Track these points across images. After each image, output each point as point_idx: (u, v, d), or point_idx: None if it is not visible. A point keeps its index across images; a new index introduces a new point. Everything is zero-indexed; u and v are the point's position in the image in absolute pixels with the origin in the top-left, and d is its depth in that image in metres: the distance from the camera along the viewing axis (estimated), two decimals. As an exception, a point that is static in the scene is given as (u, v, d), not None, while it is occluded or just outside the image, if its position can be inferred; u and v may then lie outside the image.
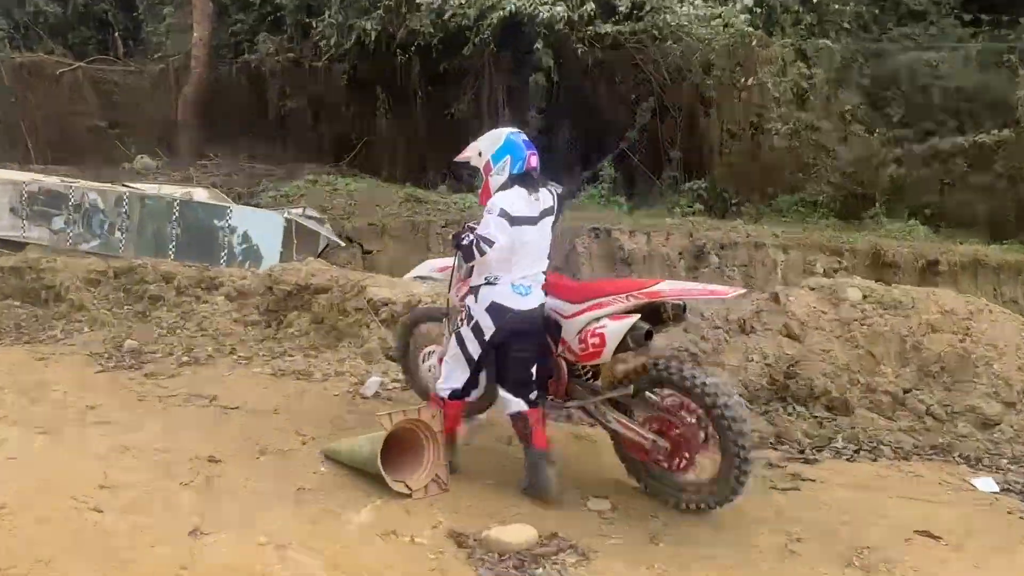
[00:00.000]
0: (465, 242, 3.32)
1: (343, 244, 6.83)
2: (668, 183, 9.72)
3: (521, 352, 3.45)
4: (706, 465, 3.37)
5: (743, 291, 3.71)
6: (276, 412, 4.48)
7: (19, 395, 4.51)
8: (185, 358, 5.54)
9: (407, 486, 3.41)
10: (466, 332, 3.43)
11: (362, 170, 11.95)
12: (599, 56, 9.87)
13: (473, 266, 3.46)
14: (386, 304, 5.52)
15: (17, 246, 7.90)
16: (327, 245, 6.97)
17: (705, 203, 8.97)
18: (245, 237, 6.83)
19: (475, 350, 3.43)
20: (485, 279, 3.35)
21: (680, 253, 7.05)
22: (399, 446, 3.48)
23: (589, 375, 3.58)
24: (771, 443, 4.56)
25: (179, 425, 4.16)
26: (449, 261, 3.90)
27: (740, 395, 4.77)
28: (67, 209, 7.36)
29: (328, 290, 5.86)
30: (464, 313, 3.43)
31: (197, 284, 6.39)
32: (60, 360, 5.37)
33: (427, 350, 4.20)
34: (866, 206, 8.25)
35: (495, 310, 3.35)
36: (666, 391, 3.40)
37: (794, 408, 4.82)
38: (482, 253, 3.24)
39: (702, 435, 3.31)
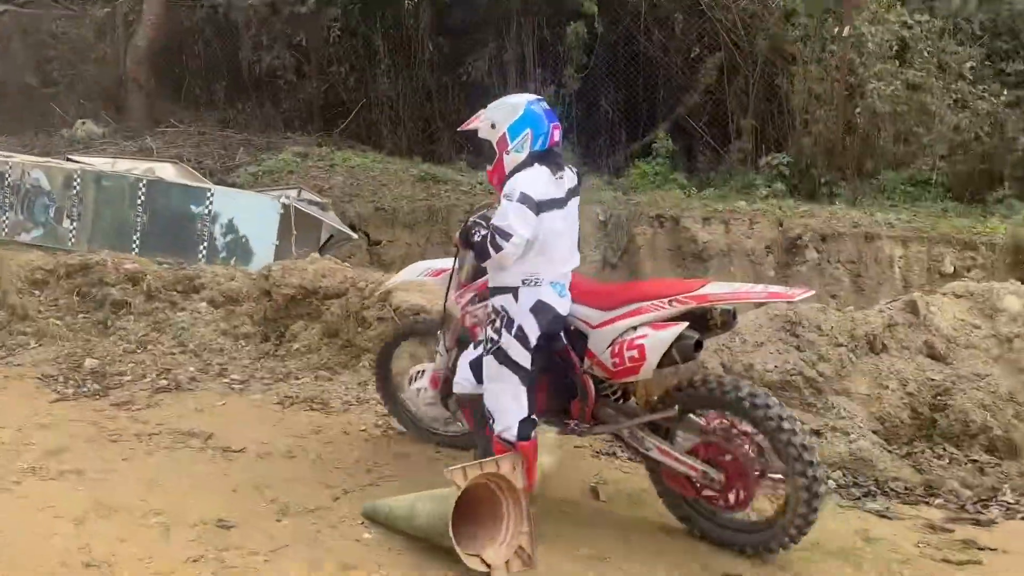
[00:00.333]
0: (477, 238, 3.28)
1: (355, 236, 6.50)
2: (737, 158, 9.39)
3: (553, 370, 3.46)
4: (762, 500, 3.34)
5: (810, 292, 3.56)
6: (291, 455, 4.19)
7: (-42, 434, 4.19)
8: (162, 381, 5.25)
9: (484, 562, 3.11)
10: (508, 342, 3.33)
11: (359, 141, 11.61)
12: (654, 0, 9.52)
13: (477, 267, 3.51)
14: (418, 313, 5.20)
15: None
16: (331, 237, 6.64)
17: (787, 182, 8.63)
18: (230, 227, 6.49)
19: (524, 359, 3.35)
20: (523, 280, 3.29)
21: (768, 246, 6.73)
22: (468, 506, 3.18)
23: (618, 395, 3.55)
24: (919, 495, 4.28)
25: (170, 475, 3.86)
26: (446, 263, 3.91)
27: (874, 431, 4.57)
28: (2, 191, 7.00)
29: (342, 295, 5.54)
30: (499, 321, 3.34)
31: (172, 286, 6.09)
32: (5, 385, 5.06)
33: (415, 369, 4.15)
34: (991, 185, 7.92)
35: (540, 310, 3.31)
36: (714, 412, 3.37)
37: (945, 449, 4.54)
38: (497, 249, 3.15)
39: (760, 464, 3.27)
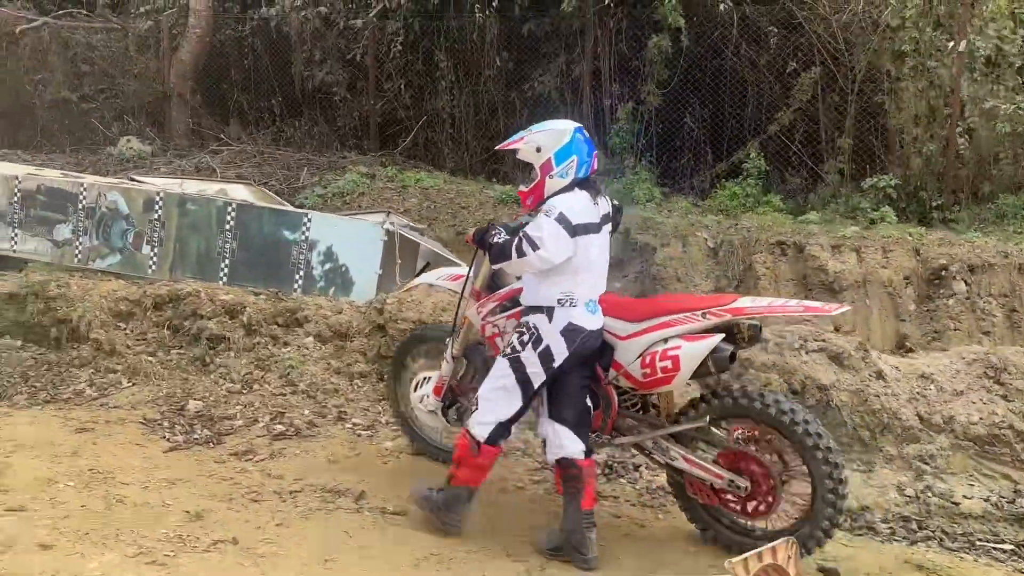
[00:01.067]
0: (498, 239, 3.47)
1: (461, 264, 6.11)
2: (834, 180, 9.02)
3: (583, 380, 3.56)
4: (786, 508, 3.46)
5: (846, 307, 3.80)
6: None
7: (83, 492, 3.82)
8: (278, 426, 4.90)
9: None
10: (529, 356, 3.46)
11: (418, 160, 11.29)
12: (746, 12, 9.20)
13: (492, 274, 3.76)
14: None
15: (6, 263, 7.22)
16: (427, 264, 6.27)
17: (894, 205, 8.26)
18: (329, 254, 6.12)
19: (538, 378, 3.48)
20: (559, 300, 3.45)
21: (907, 277, 6.34)
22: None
23: (637, 406, 3.69)
24: None
25: (340, 547, 3.47)
26: (462, 270, 4.11)
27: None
28: (76, 214, 6.67)
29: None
30: (527, 335, 3.47)
31: (272, 319, 5.74)
32: (109, 432, 4.70)
33: (421, 376, 4.24)
34: (1125, 213, 7.56)
35: (570, 333, 3.45)
36: (737, 421, 3.50)
37: None
38: (521, 254, 3.32)
39: (783, 473, 3.41)
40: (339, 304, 5.72)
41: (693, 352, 3.33)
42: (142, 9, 13.06)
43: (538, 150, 3.49)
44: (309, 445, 4.64)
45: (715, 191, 9.39)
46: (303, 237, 6.19)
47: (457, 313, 4.04)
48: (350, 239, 6.08)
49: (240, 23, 12.33)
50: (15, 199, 6.85)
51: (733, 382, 4.37)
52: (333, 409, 5.07)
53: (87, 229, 6.66)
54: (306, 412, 5.05)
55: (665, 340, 3.40)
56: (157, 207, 6.46)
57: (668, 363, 3.36)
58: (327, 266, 6.11)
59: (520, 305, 3.68)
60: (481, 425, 3.51)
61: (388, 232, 6.00)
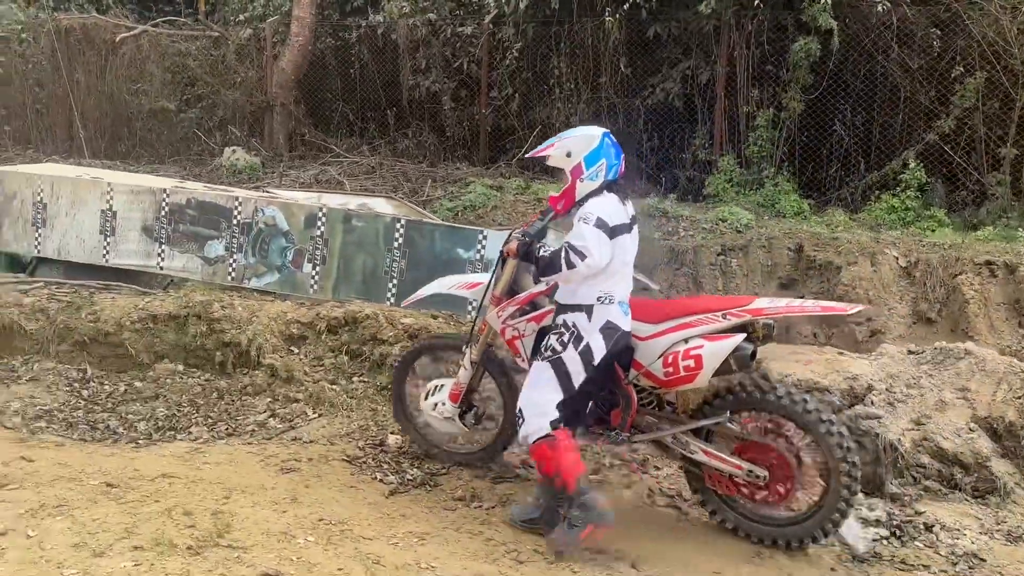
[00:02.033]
0: (543, 253, 3.65)
1: (654, 286, 5.68)
2: (1004, 192, 8.42)
3: (600, 378, 3.70)
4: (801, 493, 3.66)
5: (862, 306, 4.10)
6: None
7: (328, 549, 3.44)
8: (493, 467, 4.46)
9: None
10: (571, 356, 3.57)
11: (531, 170, 10.87)
12: (905, 12, 8.65)
13: (512, 280, 3.91)
14: (807, 392, 4.33)
15: (135, 280, 6.93)
16: None
17: (1076, 221, 7.66)
18: (508, 273, 5.70)
19: (579, 377, 3.60)
20: (598, 298, 3.58)
21: None
22: None
23: (652, 404, 3.87)
24: None
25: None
26: (479, 277, 4.29)
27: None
28: (229, 230, 6.35)
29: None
30: (567, 335, 3.58)
31: (455, 345, 5.30)
32: (316, 472, 4.33)
33: (434, 383, 4.32)
34: None
35: (609, 331, 3.59)
36: (750, 414, 3.72)
37: None
38: (571, 266, 3.45)
39: (797, 461, 3.62)
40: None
41: (716, 351, 3.51)
42: (241, 17, 12.86)
43: (568, 155, 3.63)
44: (529, 490, 4.21)
45: (868, 204, 8.85)
46: (478, 256, 5.79)
47: (476, 320, 4.19)
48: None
49: (346, 31, 12.02)
50: (162, 213, 6.56)
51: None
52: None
53: (242, 246, 6.34)
54: (516, 450, 4.62)
55: (686, 340, 3.57)
56: (320, 223, 6.11)
57: (691, 362, 3.53)
58: (505, 287, 5.67)
59: (538, 308, 3.89)
60: (539, 428, 3.58)
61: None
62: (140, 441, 4.82)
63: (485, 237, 5.81)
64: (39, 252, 7.04)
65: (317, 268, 6.05)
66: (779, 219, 8.39)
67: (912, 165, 8.67)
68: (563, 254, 3.46)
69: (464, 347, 4.20)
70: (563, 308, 3.64)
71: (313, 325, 5.57)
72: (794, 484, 3.60)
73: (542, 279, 3.79)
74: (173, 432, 4.99)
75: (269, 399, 5.29)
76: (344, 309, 5.62)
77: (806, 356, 4.57)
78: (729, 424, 3.71)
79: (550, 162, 3.73)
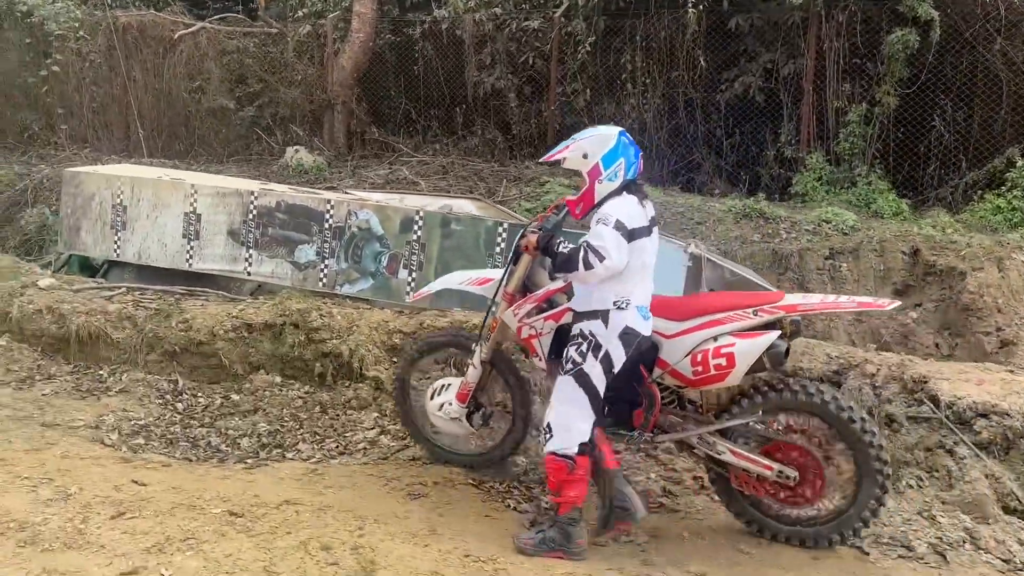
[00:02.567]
0: (562, 249, 3.53)
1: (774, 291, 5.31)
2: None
3: (621, 384, 3.61)
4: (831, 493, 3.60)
5: (898, 303, 3.83)
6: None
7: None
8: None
9: None
10: (592, 366, 3.49)
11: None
12: (1012, 1, 8.19)
13: (525, 277, 3.84)
14: (984, 415, 3.96)
15: (215, 285, 6.69)
16: (711, 292, 5.45)
17: None
18: (620, 281, 5.37)
19: (602, 385, 3.52)
20: (614, 303, 3.49)
21: None
22: None
23: (674, 402, 3.79)
24: None
25: None
26: (491, 273, 4.20)
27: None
28: (321, 234, 6.08)
29: (834, 382, 4.35)
30: (585, 345, 3.50)
31: (463, 343, 4.98)
32: (447, 499, 4.07)
33: (440, 383, 4.23)
34: None
35: (627, 336, 3.50)
36: (777, 413, 3.63)
37: None
38: (588, 267, 3.37)
39: (828, 460, 3.55)
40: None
41: (749, 349, 3.42)
42: (300, 13, 12.62)
43: (585, 156, 3.53)
44: (684, 522, 3.89)
45: (971, 204, 8.41)
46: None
47: (486, 317, 4.04)
48: (647, 265, 5.31)
49: (409, 26, 11.74)
50: (250, 216, 6.31)
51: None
52: (686, 475, 4.29)
53: (334, 251, 6.07)
54: (652, 476, 4.29)
55: (715, 338, 3.49)
56: (416, 227, 5.82)
57: (722, 360, 3.44)
58: (619, 296, 5.34)
59: (555, 306, 3.78)
60: (566, 448, 3.50)
61: (693, 256, 5.22)
62: (248, 460, 4.56)
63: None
64: (118, 256, 6.83)
65: (414, 274, 5.76)
66: (879, 220, 7.98)
67: (1020, 163, 8.22)
68: (581, 253, 3.39)
69: (474, 345, 4.10)
70: (579, 316, 3.57)
71: (417, 335, 5.28)
72: (824, 484, 3.54)
73: (558, 275, 3.71)
74: (280, 450, 4.72)
75: (376, 414, 5.01)
76: (448, 318, 5.33)
77: (975, 375, 4.19)
78: (756, 423, 3.63)
79: (566, 164, 3.62)
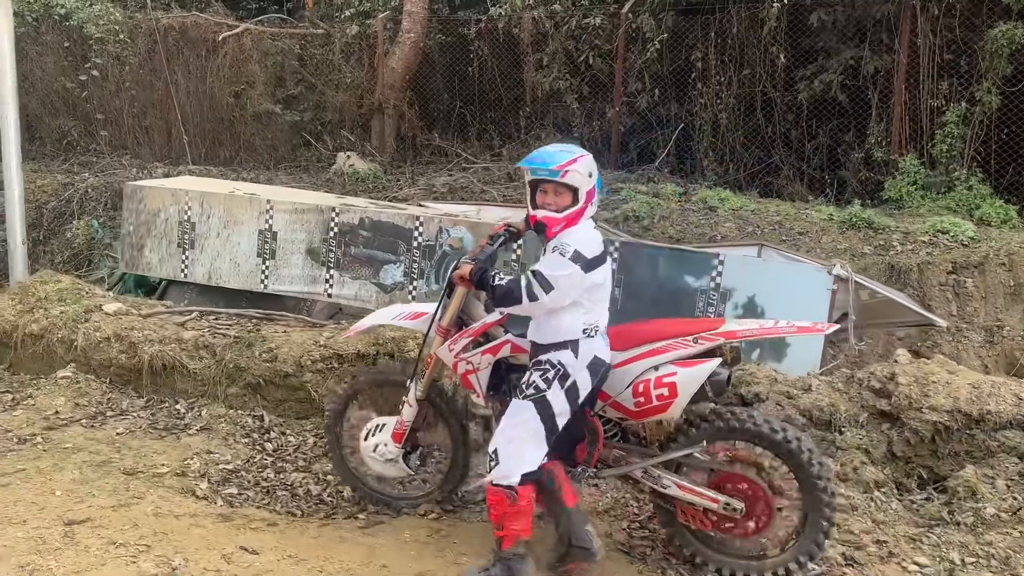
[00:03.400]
0: (499, 282, 3.33)
1: (940, 322, 4.78)
2: None
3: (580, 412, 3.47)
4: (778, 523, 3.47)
5: (837, 326, 3.77)
6: None
7: None
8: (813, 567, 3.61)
9: None
10: (556, 395, 3.33)
11: (676, 172, 10.02)
12: None
13: (459, 310, 3.66)
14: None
15: (287, 307, 6.23)
16: (843, 315, 4.92)
17: None
18: (751, 307, 4.87)
19: (563, 417, 3.36)
20: (584, 331, 3.35)
21: None
22: None
23: (617, 435, 3.65)
24: None
25: None
26: (425, 307, 3.99)
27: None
28: (409, 252, 5.60)
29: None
30: (551, 373, 3.34)
31: (396, 381, 4.49)
32: (599, 568, 3.52)
33: (374, 423, 4.03)
34: None
35: (595, 365, 3.38)
36: (720, 443, 3.50)
37: None
38: (533, 298, 3.22)
39: (774, 491, 3.43)
40: (800, 378, 4.43)
41: (691, 378, 3.33)
42: (347, 13, 12.15)
43: (590, 175, 3.34)
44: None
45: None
46: (713, 284, 4.95)
47: (420, 353, 3.92)
48: (783, 288, 4.81)
49: (464, 26, 11.25)
50: (331, 235, 5.84)
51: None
52: (864, 537, 3.76)
53: (423, 271, 5.59)
54: (839, 548, 3.75)
55: (656, 368, 3.39)
56: (516, 246, 5.32)
57: (664, 390, 3.35)
58: (750, 323, 4.83)
59: (492, 340, 3.62)
60: (508, 476, 3.28)
61: (839, 279, 4.69)
62: (360, 517, 4.08)
63: (722, 262, 4.97)
64: (186, 276, 6.38)
65: (516, 297, 5.25)
66: (992, 229, 7.41)
67: None
68: (524, 283, 3.21)
69: (408, 382, 3.90)
70: (545, 348, 3.37)
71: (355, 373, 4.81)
72: (771, 515, 3.42)
73: (496, 309, 3.58)
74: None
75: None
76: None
77: None
78: (700, 455, 3.49)
79: (567, 179, 3.28)
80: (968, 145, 8.40)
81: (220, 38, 12.01)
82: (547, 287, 3.19)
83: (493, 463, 3.35)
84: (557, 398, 3.30)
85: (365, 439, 4.01)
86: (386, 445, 3.92)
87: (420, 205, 7.05)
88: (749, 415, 3.46)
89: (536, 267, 3.27)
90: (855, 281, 4.75)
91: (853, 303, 4.72)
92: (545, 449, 3.33)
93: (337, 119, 11.79)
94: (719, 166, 9.95)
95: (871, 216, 7.15)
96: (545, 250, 3.38)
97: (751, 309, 4.90)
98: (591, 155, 3.41)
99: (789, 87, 9.76)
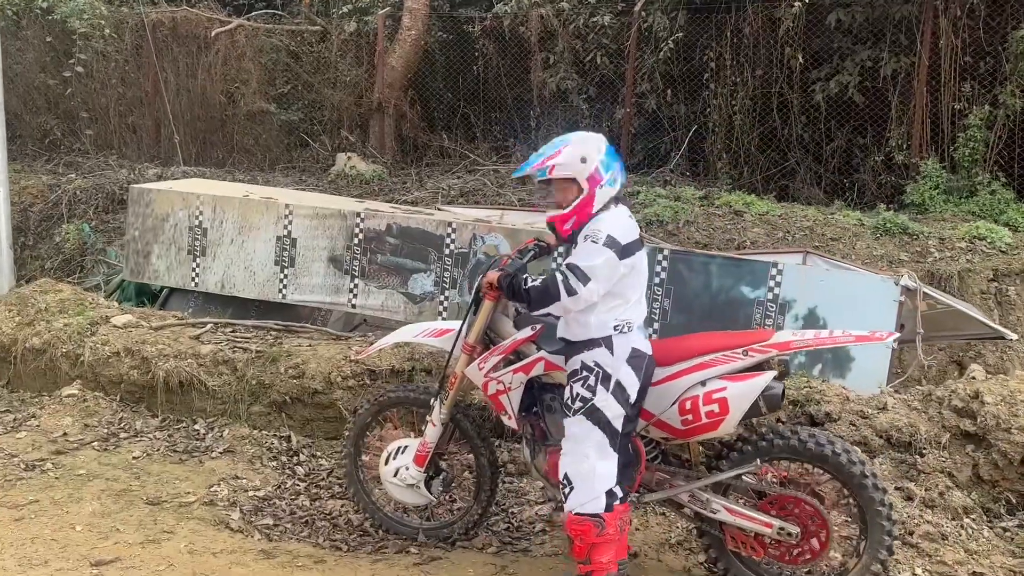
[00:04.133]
0: (533, 283, 3.17)
1: (1011, 336, 4.56)
2: None
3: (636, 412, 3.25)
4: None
5: (897, 334, 3.49)
6: None
7: None
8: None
9: None
10: (604, 399, 3.11)
11: (680, 174, 9.77)
12: None
13: (486, 326, 3.47)
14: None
15: (303, 317, 5.91)
16: (902, 327, 4.68)
17: None
18: (812, 319, 4.62)
19: (619, 419, 3.12)
20: (615, 327, 3.14)
21: None
22: None
23: (657, 456, 3.43)
24: None
25: None
26: (449, 324, 3.79)
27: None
28: (440, 261, 5.30)
29: None
30: (592, 378, 3.11)
31: (421, 400, 4.27)
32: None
33: (394, 446, 3.80)
34: None
35: (636, 360, 3.17)
36: (769, 463, 3.30)
37: None
38: (571, 292, 3.02)
39: (830, 512, 3.23)
40: (875, 396, 4.19)
41: (744, 392, 3.11)
42: (345, 8, 11.78)
43: (583, 160, 3.11)
44: None
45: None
46: (770, 295, 4.70)
47: (445, 371, 3.74)
48: (846, 299, 4.57)
49: (468, 23, 10.93)
50: (355, 242, 5.50)
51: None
52: (959, 568, 3.52)
53: (455, 280, 5.28)
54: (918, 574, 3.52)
55: (703, 383, 3.16)
56: (557, 253, 5.03)
57: (714, 407, 3.13)
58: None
59: (523, 358, 3.40)
60: (593, 501, 3.08)
61: (907, 289, 4.45)
62: (412, 551, 3.77)
63: (780, 271, 4.71)
64: (197, 285, 6.01)
65: (556, 309, 4.96)
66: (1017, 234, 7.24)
67: None
68: (561, 278, 3.03)
69: (432, 401, 3.68)
70: (576, 347, 3.18)
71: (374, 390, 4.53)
72: (828, 539, 3.19)
73: (529, 326, 3.39)
74: (440, 532, 3.93)
75: (542, 484, 4.22)
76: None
77: None
78: (750, 477, 3.29)
79: (558, 173, 3.13)
80: (991, 149, 8.24)
81: (212, 34, 11.60)
82: (584, 278, 3.00)
83: (568, 489, 3.14)
84: (607, 402, 3.10)
85: (386, 463, 3.78)
86: (407, 469, 3.69)
87: (439, 209, 6.74)
88: (795, 431, 3.24)
89: (569, 260, 3.08)
90: (924, 292, 4.51)
91: (920, 315, 4.48)
92: (614, 456, 3.12)
93: (335, 119, 11.42)
94: (733, 169, 9.71)
95: (905, 222, 6.95)
96: (573, 246, 3.18)
97: (812, 322, 4.65)
98: (590, 134, 3.23)
99: (805, 88, 9.56)
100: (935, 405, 4.06)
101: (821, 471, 3.24)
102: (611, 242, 3.02)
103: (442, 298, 5.35)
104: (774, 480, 3.32)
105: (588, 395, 3.11)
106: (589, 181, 3.12)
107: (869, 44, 9.18)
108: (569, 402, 3.16)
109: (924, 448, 3.94)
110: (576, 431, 3.13)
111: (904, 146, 8.71)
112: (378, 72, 10.99)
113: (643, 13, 9.72)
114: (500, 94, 10.90)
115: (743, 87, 9.59)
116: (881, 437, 4.01)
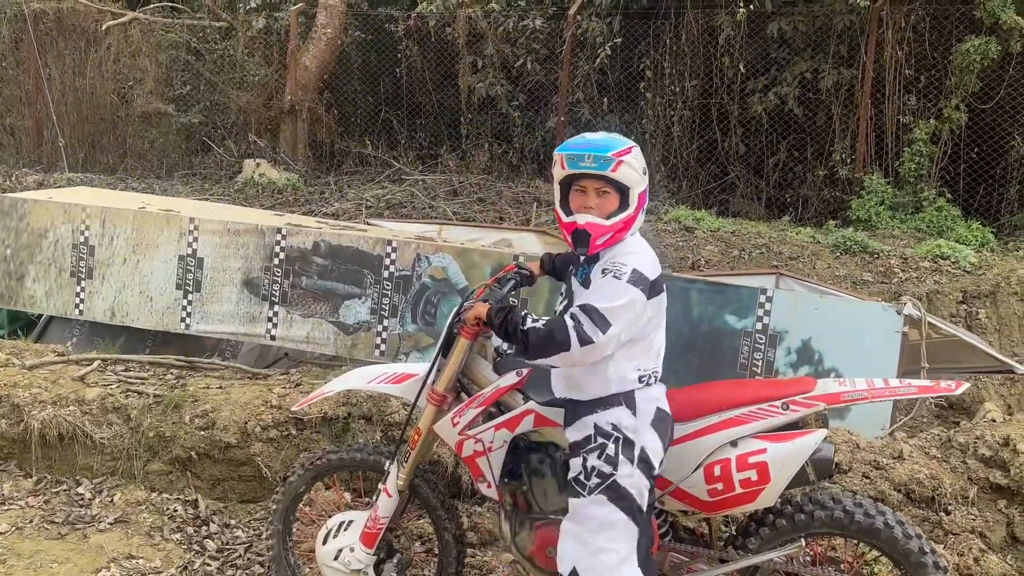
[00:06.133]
0: (534, 324, 2.44)
1: (1021, 370, 4.14)
2: None
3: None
4: None
5: (966, 384, 2.72)
6: None
7: None
8: None
9: None
10: (628, 474, 2.47)
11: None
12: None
13: (458, 372, 2.79)
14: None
15: (204, 351, 5.09)
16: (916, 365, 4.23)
17: None
18: (806, 353, 4.10)
19: (645, 494, 2.50)
20: (640, 378, 2.55)
21: None
22: None
23: (667, 533, 2.83)
24: None
25: None
26: (411, 368, 3.08)
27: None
28: (377, 285, 4.56)
29: None
30: (613, 446, 2.48)
31: (371, 463, 3.69)
32: None
33: (336, 521, 3.07)
34: None
35: (660, 423, 2.56)
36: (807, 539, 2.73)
37: None
38: (585, 341, 2.34)
39: None
40: (887, 443, 3.68)
41: (788, 456, 2.55)
42: (253, 4, 10.87)
43: (644, 172, 2.56)
44: None
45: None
46: (759, 325, 4.16)
47: (405, 426, 2.98)
48: (844, 330, 4.06)
49: (390, 23, 10.19)
50: (275, 262, 4.69)
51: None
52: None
53: (396, 308, 4.53)
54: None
55: (734, 443, 2.59)
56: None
57: (751, 473, 2.55)
58: (804, 371, 4.08)
59: (508, 410, 2.74)
60: None
61: (911, 319, 3.99)
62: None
63: (769, 298, 4.17)
64: (82, 313, 5.06)
65: (516, 341, 4.29)
66: (987, 253, 7.00)
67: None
68: (572, 324, 2.35)
69: (387, 464, 2.98)
70: (588, 407, 2.54)
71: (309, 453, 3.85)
72: None
73: (513, 371, 2.73)
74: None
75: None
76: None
77: None
78: (780, 558, 2.69)
79: (621, 174, 2.47)
80: (935, 164, 8.06)
81: (103, 27, 10.50)
82: (603, 324, 2.35)
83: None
84: (631, 477, 2.46)
85: (324, 542, 3.03)
86: (352, 551, 2.97)
87: (367, 223, 6.00)
88: (856, 502, 2.67)
89: (583, 300, 2.42)
90: (931, 322, 4.05)
91: (923, 347, 4.02)
92: (637, 537, 2.49)
93: (241, 122, 10.48)
94: (672, 182, 9.28)
95: (864, 240, 6.59)
96: (588, 274, 2.55)
97: (807, 355, 4.13)
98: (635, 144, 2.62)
99: (744, 100, 9.22)
100: (957, 453, 3.58)
101: (869, 546, 2.70)
102: (637, 279, 2.41)
103: (380, 328, 4.59)
104: (807, 558, 2.75)
105: (608, 469, 2.47)
106: (640, 199, 2.55)
107: (808, 55, 8.94)
108: (582, 479, 2.50)
109: (949, 504, 3.45)
110: (591, 513, 2.47)
111: (848, 160, 8.46)
112: (290, 72, 10.12)
113: (578, 18, 9.20)
114: (425, 99, 10.22)
115: (681, 97, 9.19)
116: (900, 491, 3.50)
